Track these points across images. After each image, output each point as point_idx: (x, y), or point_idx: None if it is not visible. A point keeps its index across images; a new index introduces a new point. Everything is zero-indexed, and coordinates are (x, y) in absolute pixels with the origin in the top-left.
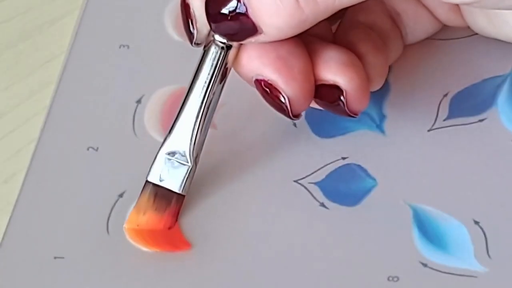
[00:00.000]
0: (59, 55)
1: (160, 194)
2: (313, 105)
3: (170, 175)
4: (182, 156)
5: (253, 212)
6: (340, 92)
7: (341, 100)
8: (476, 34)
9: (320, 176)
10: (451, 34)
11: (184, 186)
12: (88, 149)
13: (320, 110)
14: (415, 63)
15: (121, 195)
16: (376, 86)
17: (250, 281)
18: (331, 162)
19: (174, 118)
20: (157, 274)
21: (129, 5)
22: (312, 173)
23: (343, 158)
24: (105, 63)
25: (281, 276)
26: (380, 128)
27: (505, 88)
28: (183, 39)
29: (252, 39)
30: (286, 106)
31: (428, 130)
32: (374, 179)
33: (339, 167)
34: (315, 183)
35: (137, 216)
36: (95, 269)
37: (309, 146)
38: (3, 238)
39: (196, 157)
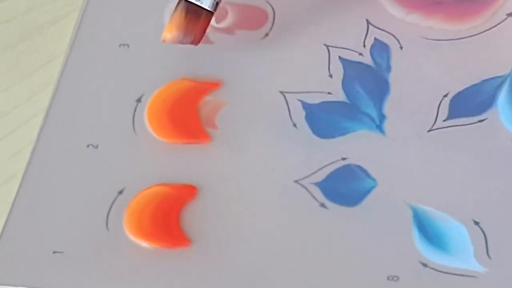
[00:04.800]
0: (59, 55)
1: (191, 10)
2: None
3: None
4: None
5: (253, 211)
6: None
7: None
8: (476, 34)
9: (320, 176)
10: (451, 35)
11: (213, 3)
12: (88, 146)
13: (320, 111)
14: (415, 63)
15: (120, 192)
16: None
17: (249, 279)
18: (331, 163)
19: None
20: (156, 270)
21: (129, 5)
22: (312, 174)
23: (343, 159)
24: (105, 62)
25: (281, 275)
26: (380, 128)
27: (505, 88)
28: None
29: None
30: None
31: (428, 131)
32: (374, 180)
33: (339, 167)
34: (315, 184)
35: (171, 29)
36: (94, 264)
37: (309, 146)
38: (2, 231)
39: None
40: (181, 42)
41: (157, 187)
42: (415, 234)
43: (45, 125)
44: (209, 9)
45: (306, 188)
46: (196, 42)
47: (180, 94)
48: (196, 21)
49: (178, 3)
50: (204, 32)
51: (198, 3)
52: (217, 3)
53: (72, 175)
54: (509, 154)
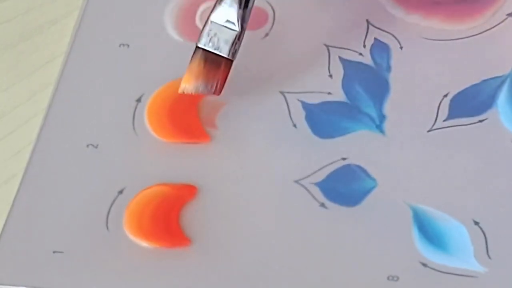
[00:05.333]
0: (59, 55)
1: (210, 59)
2: None
3: (219, 41)
4: (231, 22)
5: (253, 211)
6: None
7: None
8: (476, 34)
9: (320, 176)
10: (451, 35)
11: (232, 51)
12: (88, 146)
13: (320, 111)
14: (415, 63)
15: (120, 192)
16: None
17: (249, 279)
18: (331, 163)
19: None
20: (156, 270)
21: (129, 5)
22: (312, 174)
23: (343, 159)
24: (105, 62)
25: (281, 275)
26: (380, 128)
27: (505, 88)
28: (183, 39)
29: None
30: None
31: (428, 131)
32: (374, 180)
33: (339, 167)
34: (315, 184)
35: (190, 79)
36: (94, 264)
37: (309, 146)
38: (2, 231)
39: (244, 22)
40: (202, 92)
41: (157, 187)
42: (415, 234)
43: (45, 125)
44: (228, 57)
45: (306, 188)
46: (218, 92)
47: (180, 94)
48: (216, 70)
49: (195, 52)
50: (225, 80)
51: (216, 51)
52: (235, 51)
53: (72, 175)
54: (509, 154)
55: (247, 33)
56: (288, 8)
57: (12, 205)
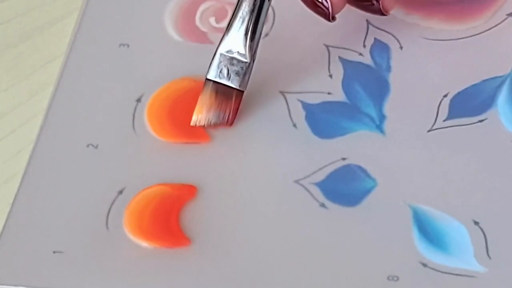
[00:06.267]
0: (59, 56)
1: (221, 90)
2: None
3: (229, 73)
4: (240, 53)
5: (253, 211)
6: None
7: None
8: (476, 34)
9: (320, 176)
10: (451, 35)
11: (243, 82)
12: (88, 146)
13: (320, 111)
14: (415, 63)
15: (120, 192)
16: None
17: (249, 279)
18: (331, 163)
19: (230, 18)
20: (156, 270)
21: (129, 5)
22: (312, 174)
23: (343, 159)
24: (105, 62)
25: (281, 275)
26: (380, 128)
27: (505, 88)
28: (183, 39)
29: None
30: (328, 8)
31: (428, 131)
32: (374, 180)
33: (339, 167)
34: (315, 184)
35: (201, 111)
36: (94, 264)
37: (309, 146)
38: (2, 231)
39: (253, 53)
40: (214, 124)
41: (157, 187)
42: (415, 234)
43: (45, 125)
44: (239, 88)
45: (306, 188)
46: (230, 123)
47: (180, 93)
48: (227, 101)
49: (206, 84)
50: (237, 111)
51: (227, 83)
52: (246, 81)
53: (72, 175)
54: (509, 154)
55: None
56: (288, 8)
57: (12, 205)
